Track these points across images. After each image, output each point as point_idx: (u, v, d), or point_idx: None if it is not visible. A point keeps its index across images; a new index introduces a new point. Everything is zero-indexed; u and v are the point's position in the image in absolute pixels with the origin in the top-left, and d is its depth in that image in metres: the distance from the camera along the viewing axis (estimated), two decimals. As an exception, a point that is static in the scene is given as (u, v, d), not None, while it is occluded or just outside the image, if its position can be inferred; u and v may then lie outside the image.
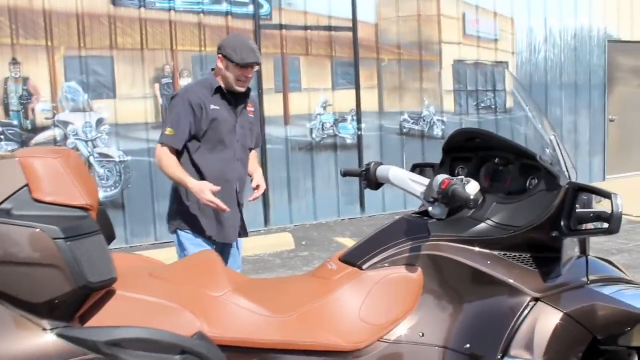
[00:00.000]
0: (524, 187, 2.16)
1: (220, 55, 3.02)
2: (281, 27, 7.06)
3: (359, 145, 7.61)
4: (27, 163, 1.56)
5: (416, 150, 7.89)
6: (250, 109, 3.23)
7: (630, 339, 2.07)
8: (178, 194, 3.11)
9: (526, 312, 1.93)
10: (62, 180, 1.58)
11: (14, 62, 6.01)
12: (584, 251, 2.18)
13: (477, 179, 2.30)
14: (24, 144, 6.05)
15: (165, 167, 2.99)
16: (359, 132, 7.59)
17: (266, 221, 7.08)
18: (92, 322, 1.59)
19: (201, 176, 3.02)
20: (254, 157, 3.41)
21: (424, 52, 7.94)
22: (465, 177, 2.26)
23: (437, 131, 8.11)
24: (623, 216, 1.87)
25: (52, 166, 1.57)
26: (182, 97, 3.02)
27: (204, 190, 2.85)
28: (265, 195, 6.92)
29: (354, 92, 7.53)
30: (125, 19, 6.35)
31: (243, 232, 3.31)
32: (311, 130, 7.37)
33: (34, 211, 1.54)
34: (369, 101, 7.61)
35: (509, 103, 8.68)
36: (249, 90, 3.17)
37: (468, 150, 2.43)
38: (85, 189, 1.63)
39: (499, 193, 2.21)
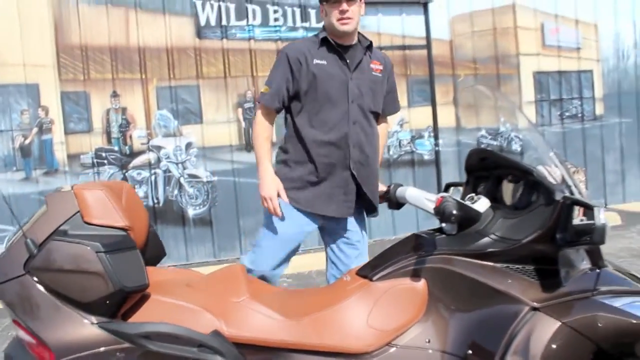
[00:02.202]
0: (529, 202, 2.28)
1: (320, 6, 2.80)
2: (355, 49, 7.33)
3: (436, 161, 7.69)
4: (79, 193, 1.94)
5: (496, 163, 7.85)
6: (375, 66, 2.86)
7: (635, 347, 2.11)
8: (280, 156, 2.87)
9: (523, 321, 2.03)
10: (106, 207, 1.94)
11: (114, 94, 6.72)
12: (596, 263, 2.24)
13: (495, 195, 2.45)
14: (123, 167, 6.72)
15: (254, 134, 2.81)
16: (437, 148, 7.69)
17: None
18: (131, 319, 1.93)
19: (302, 143, 2.75)
20: (383, 132, 3.08)
21: (501, 65, 7.92)
22: (484, 194, 2.44)
23: (516, 146, 8.01)
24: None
25: (98, 196, 1.95)
26: (282, 52, 2.78)
27: (272, 190, 2.68)
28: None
29: (430, 108, 7.64)
30: (209, 50, 6.90)
31: (370, 211, 2.94)
32: (388, 148, 7.56)
33: (84, 231, 1.91)
34: (446, 117, 7.69)
35: (599, 110, 8.44)
36: (370, 44, 2.89)
37: (486, 168, 2.56)
38: (126, 214, 1.98)
39: (507, 208, 2.34)
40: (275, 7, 7.08)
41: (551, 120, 8.20)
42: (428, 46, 7.58)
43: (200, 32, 6.87)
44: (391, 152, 7.55)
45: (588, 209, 2.01)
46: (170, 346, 1.85)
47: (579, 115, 8.34)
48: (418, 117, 7.61)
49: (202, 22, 6.86)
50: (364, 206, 2.93)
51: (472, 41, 7.81)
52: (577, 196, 2.11)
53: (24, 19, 6.44)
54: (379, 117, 2.96)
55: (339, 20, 2.68)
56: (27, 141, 6.56)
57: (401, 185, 2.60)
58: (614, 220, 7.44)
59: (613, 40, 8.46)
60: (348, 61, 2.77)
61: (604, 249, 5.84)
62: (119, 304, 1.90)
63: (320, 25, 7.04)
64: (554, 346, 1.97)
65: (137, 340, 1.84)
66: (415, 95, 7.59)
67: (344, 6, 2.66)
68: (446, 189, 2.75)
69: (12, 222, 6.46)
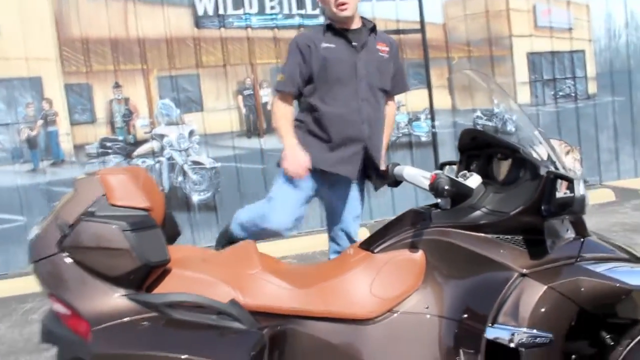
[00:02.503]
0: (517, 177, 2.45)
1: None
2: (351, 34, 7.47)
3: (433, 143, 7.86)
4: (104, 178, 2.11)
5: (491, 143, 8.02)
6: (382, 47, 3.01)
7: (623, 311, 2.30)
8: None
9: (513, 286, 2.21)
10: (129, 189, 2.12)
11: (116, 85, 6.86)
12: (581, 233, 2.42)
13: (486, 172, 2.63)
14: (128, 156, 6.89)
15: (275, 117, 2.97)
16: (433, 130, 7.85)
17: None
18: (155, 291, 2.11)
19: (319, 122, 2.92)
20: (390, 112, 3.28)
21: (494, 47, 8.06)
22: (476, 171, 2.62)
23: (511, 127, 8.17)
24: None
25: (121, 180, 2.12)
26: (291, 42, 2.98)
27: (299, 168, 2.82)
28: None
29: (426, 91, 7.80)
30: (208, 39, 7.04)
31: (377, 183, 3.11)
32: (385, 130, 7.72)
33: (110, 212, 2.08)
34: (441, 99, 7.85)
35: (592, 89, 8.60)
36: (373, 26, 3.04)
37: (478, 147, 2.74)
38: (147, 196, 2.15)
39: (497, 184, 2.51)
40: (272, -5, 7.21)
41: (545, 100, 8.36)
42: (422, 30, 7.71)
43: (198, 22, 7.01)
44: (389, 135, 7.71)
45: (569, 182, 2.18)
46: (192, 314, 2.03)
47: (572, 94, 8.49)
48: (414, 99, 7.76)
49: (200, 12, 6.99)
50: (367, 179, 3.18)
51: (465, 24, 7.94)
52: (560, 171, 2.28)
53: (25, 13, 6.57)
54: (387, 95, 3.15)
55: (337, 7, 2.84)
56: (33, 133, 6.72)
57: (399, 164, 2.77)
58: (608, 196, 7.63)
59: (604, 20, 8.58)
60: (354, 43, 2.91)
61: (599, 223, 6.14)
62: (143, 277, 2.07)
63: (316, 12, 7.22)
64: (540, 308, 2.15)
65: (162, 309, 2.02)
66: (411, 79, 7.72)
67: None
68: (441, 168, 2.92)
69: (22, 213, 6.66)
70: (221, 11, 7.04)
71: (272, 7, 7.20)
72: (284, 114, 2.94)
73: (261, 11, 7.18)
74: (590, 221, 6.46)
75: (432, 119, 7.81)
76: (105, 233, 2.02)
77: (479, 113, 8.03)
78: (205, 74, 7.08)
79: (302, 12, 7.29)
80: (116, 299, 2.04)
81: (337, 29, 2.93)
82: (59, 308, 2.10)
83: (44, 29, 6.62)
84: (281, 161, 2.89)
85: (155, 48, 6.89)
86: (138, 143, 6.98)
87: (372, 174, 3.10)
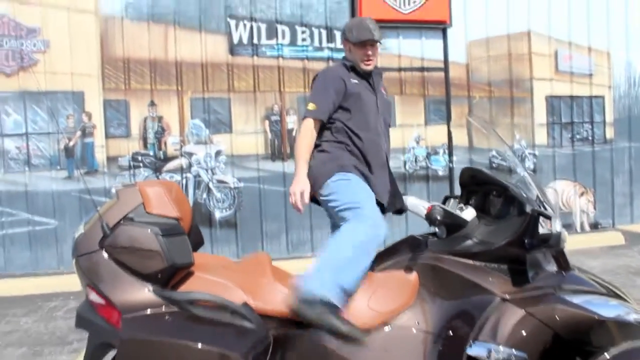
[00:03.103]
0: (507, 212, 2.73)
1: (344, 40, 3.17)
2: (377, 69, 7.81)
3: (450, 177, 8.11)
4: (143, 189, 2.46)
5: (507, 181, 8.25)
6: (384, 91, 3.31)
7: (595, 339, 2.53)
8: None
9: (495, 309, 2.48)
10: (163, 200, 2.45)
11: (152, 103, 7.29)
12: (563, 266, 2.67)
13: (482, 206, 2.92)
14: (157, 170, 7.28)
15: (300, 141, 3.01)
16: (450, 165, 8.11)
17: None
18: (179, 289, 2.42)
19: (357, 145, 3.04)
20: None
21: (515, 89, 8.34)
22: (473, 205, 2.91)
23: (529, 164, 8.42)
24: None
25: (157, 191, 2.46)
26: (323, 75, 3.13)
27: (304, 191, 2.85)
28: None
29: (445, 127, 8.09)
30: (241, 66, 7.46)
31: (397, 208, 3.19)
32: (405, 163, 8.01)
33: (146, 219, 2.42)
34: (460, 136, 8.12)
35: (609, 134, 8.80)
36: (381, 71, 3.29)
37: (477, 184, 3.03)
38: (178, 207, 2.48)
39: (490, 217, 2.79)
40: (303, 28, 7.61)
41: (562, 142, 8.58)
42: (445, 69, 8.04)
43: (233, 49, 7.43)
44: (407, 167, 8.00)
45: (549, 219, 2.46)
46: (210, 311, 2.34)
47: (590, 138, 8.71)
48: (434, 135, 8.05)
49: (235, 40, 7.42)
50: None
51: (488, 65, 8.25)
52: (544, 210, 2.56)
53: (73, 30, 7.06)
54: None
55: (363, 61, 3.09)
56: (71, 143, 7.16)
57: (404, 194, 3.07)
58: (618, 240, 7.79)
59: (625, 67, 8.82)
60: (372, 84, 3.18)
61: (605, 265, 6.38)
62: (170, 276, 2.39)
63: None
64: (518, 330, 2.42)
65: (184, 305, 2.33)
66: (432, 114, 8.05)
67: (369, 51, 3.08)
68: (444, 201, 3.21)
69: (54, 217, 7.07)
70: (255, 40, 7.47)
71: (304, 40, 7.60)
72: (309, 143, 3.01)
73: (293, 42, 7.59)
74: (597, 262, 6.72)
75: (450, 154, 8.08)
76: (141, 236, 2.35)
77: (494, 152, 8.28)
78: (236, 98, 7.48)
79: (332, 45, 7.68)
80: (145, 293, 2.36)
81: (359, 71, 3.15)
82: (95, 298, 2.42)
83: (89, 47, 7.10)
84: (290, 190, 2.90)
85: (191, 71, 7.33)
86: (167, 159, 7.37)
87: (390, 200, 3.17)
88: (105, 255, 2.37)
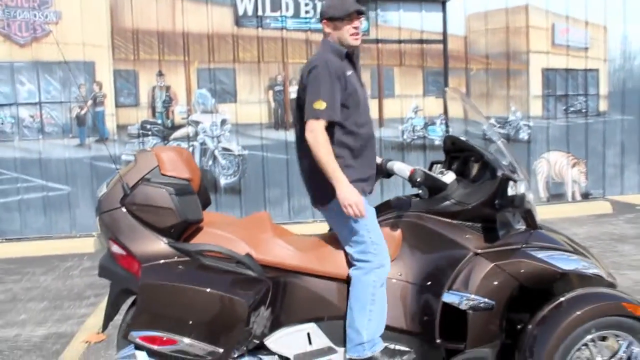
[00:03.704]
0: (482, 176, 3.04)
1: (324, 21, 2.94)
2: (377, 41, 8.08)
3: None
4: (158, 154, 2.77)
5: (502, 151, 8.54)
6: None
7: (556, 289, 2.87)
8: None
9: (467, 262, 2.81)
10: (176, 163, 2.77)
11: (160, 73, 7.57)
12: (531, 225, 3.00)
13: (462, 170, 3.24)
14: (165, 138, 7.60)
15: (322, 149, 2.74)
16: (446, 135, 8.35)
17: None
18: (191, 241, 2.76)
19: (351, 144, 2.88)
20: None
21: (512, 62, 8.57)
22: (454, 169, 3.23)
23: (523, 135, 8.69)
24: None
25: (170, 155, 2.78)
26: (326, 68, 2.80)
27: (356, 195, 2.73)
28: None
29: (442, 98, 8.35)
30: (246, 37, 7.71)
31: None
32: (403, 132, 8.31)
33: (161, 180, 2.73)
34: (458, 106, 8.35)
35: (603, 107, 9.04)
36: (359, 52, 3.11)
37: (459, 150, 3.33)
38: (188, 169, 2.80)
39: (468, 181, 3.11)
40: (307, 1, 7.83)
41: (556, 114, 8.83)
42: (444, 41, 8.26)
43: (238, 21, 7.68)
44: (405, 137, 8.30)
45: (515, 182, 2.77)
46: (217, 261, 2.68)
47: (583, 110, 8.95)
48: (431, 105, 8.32)
49: (240, 12, 7.66)
50: None
51: (486, 38, 8.47)
52: (514, 175, 2.87)
53: (84, 4, 7.31)
54: None
55: (352, 35, 2.89)
56: (82, 112, 7.47)
57: (391, 159, 3.37)
58: (606, 209, 8.11)
59: (621, 41, 9.00)
60: (357, 71, 3.06)
61: (590, 232, 6.79)
62: (182, 230, 2.72)
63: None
64: (487, 280, 2.76)
65: (194, 255, 2.67)
66: (430, 86, 8.31)
67: (357, 23, 2.89)
68: (431, 165, 3.51)
69: (67, 183, 7.42)
70: (260, 12, 7.70)
71: (307, 12, 7.83)
72: (329, 148, 2.76)
73: (296, 14, 7.82)
74: (583, 229, 7.11)
75: (447, 125, 8.34)
76: (157, 195, 2.67)
77: (492, 121, 8.56)
78: (241, 69, 7.75)
79: (333, 17, 7.89)
80: (161, 245, 2.70)
81: (350, 57, 2.99)
82: (116, 249, 2.76)
83: (99, 18, 7.36)
84: (342, 204, 2.73)
85: (198, 42, 7.59)
86: (175, 127, 7.69)
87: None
88: (126, 212, 2.71)
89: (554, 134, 8.83)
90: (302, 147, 2.91)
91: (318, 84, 2.79)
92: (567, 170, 8.90)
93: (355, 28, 2.90)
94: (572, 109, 8.90)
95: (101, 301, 4.84)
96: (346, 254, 2.90)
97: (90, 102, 7.46)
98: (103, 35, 7.40)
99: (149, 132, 7.62)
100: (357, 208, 2.72)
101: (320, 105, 2.75)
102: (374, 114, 8.02)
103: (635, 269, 5.30)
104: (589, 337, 2.62)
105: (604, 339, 2.72)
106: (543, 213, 7.58)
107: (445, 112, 8.30)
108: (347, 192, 2.72)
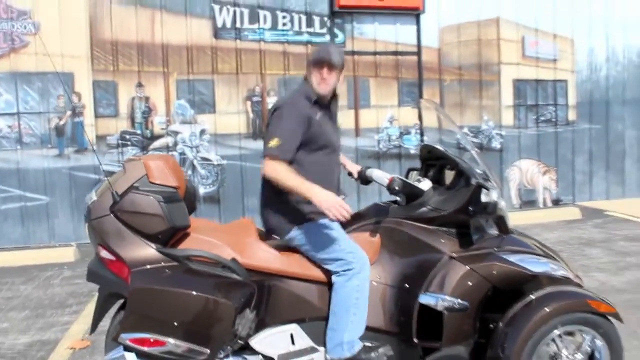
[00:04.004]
0: (457, 184, 3.20)
1: (307, 62, 3.08)
2: (353, 53, 8.27)
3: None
4: (146, 162, 2.87)
5: (475, 160, 8.78)
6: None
7: (527, 290, 3.03)
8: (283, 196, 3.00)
9: (443, 265, 2.96)
10: (163, 172, 2.87)
11: (139, 84, 7.65)
12: (503, 230, 3.16)
13: (438, 178, 3.40)
14: (144, 148, 7.67)
15: (282, 176, 2.88)
16: (422, 144, 8.57)
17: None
18: (178, 247, 2.87)
19: (309, 178, 2.92)
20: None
21: (484, 73, 8.84)
22: (430, 177, 3.38)
23: (496, 143, 8.95)
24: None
25: (158, 164, 2.88)
26: (290, 108, 2.96)
27: (337, 203, 2.80)
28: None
29: (417, 109, 8.55)
30: (224, 49, 7.84)
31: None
32: (378, 142, 8.50)
33: (150, 187, 2.83)
34: (432, 116, 8.56)
35: (571, 116, 9.36)
36: (337, 97, 3.22)
37: (434, 158, 3.50)
38: (176, 177, 2.91)
39: (444, 188, 3.27)
40: (284, 14, 8.00)
41: (527, 124, 9.12)
42: (418, 53, 8.49)
43: (216, 33, 7.81)
44: (381, 146, 8.49)
45: (488, 190, 2.94)
46: (203, 265, 2.78)
47: (553, 120, 9.25)
48: (406, 115, 8.53)
49: (219, 24, 7.79)
50: None
51: (459, 50, 8.72)
52: (487, 183, 3.03)
53: (63, 13, 7.37)
54: None
55: (319, 83, 3.00)
56: (61, 122, 7.51)
57: (370, 167, 3.52)
58: (575, 214, 8.37)
59: (587, 54, 9.35)
60: (332, 118, 3.20)
61: (560, 237, 7.03)
62: (170, 236, 2.83)
63: (323, 30, 7.98)
64: (461, 283, 2.90)
65: (182, 260, 2.78)
66: (405, 96, 8.52)
67: (324, 73, 2.98)
68: (407, 173, 3.66)
69: (46, 193, 7.43)
70: (238, 24, 7.84)
71: (284, 24, 8.00)
72: (288, 171, 2.89)
73: (274, 27, 7.97)
74: (553, 234, 7.37)
75: (422, 134, 8.56)
76: (146, 202, 2.78)
77: (466, 130, 8.79)
78: (220, 80, 7.87)
79: (311, 30, 8.08)
80: (149, 251, 2.80)
81: (322, 104, 3.08)
82: (106, 255, 2.85)
83: (79, 29, 7.42)
84: (324, 211, 2.82)
85: (177, 54, 7.69)
86: (154, 137, 7.76)
87: None
88: (115, 218, 2.80)
89: (525, 142, 9.11)
90: (263, 179, 3.05)
91: (276, 123, 2.95)
92: (538, 177, 9.18)
93: (323, 77, 3.00)
94: (542, 118, 9.19)
95: (83, 309, 4.90)
96: None
97: (69, 113, 7.50)
98: (82, 46, 7.46)
99: (129, 142, 7.68)
100: (339, 207, 2.80)
101: (275, 143, 2.89)
102: (350, 123, 8.26)
103: (602, 271, 5.52)
104: (556, 332, 2.78)
105: (570, 334, 2.89)
106: (516, 219, 7.83)
107: (420, 121, 8.52)
108: (323, 198, 2.82)
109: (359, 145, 8.40)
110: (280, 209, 3.04)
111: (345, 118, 8.31)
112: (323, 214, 2.88)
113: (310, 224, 3.02)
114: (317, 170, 3.02)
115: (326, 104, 3.12)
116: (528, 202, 9.09)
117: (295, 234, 3.01)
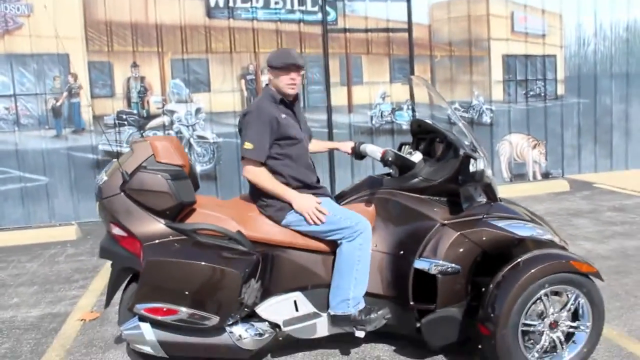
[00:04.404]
0: (446, 155, 3.38)
1: (268, 69, 3.32)
2: (345, 30, 8.37)
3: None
4: (153, 143, 3.02)
5: (466, 135, 8.95)
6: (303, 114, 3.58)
7: (515, 253, 3.21)
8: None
9: (435, 232, 3.14)
10: (169, 151, 3.03)
11: (134, 64, 7.73)
12: (491, 198, 3.34)
13: (428, 150, 3.57)
14: (140, 128, 7.78)
15: (261, 180, 3.17)
16: (412, 119, 8.71)
17: (333, 193, 8.46)
18: (185, 221, 3.03)
19: (285, 172, 3.25)
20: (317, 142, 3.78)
21: (474, 49, 8.96)
22: (421, 150, 3.55)
23: (486, 118, 9.12)
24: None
25: (164, 144, 3.03)
26: (257, 112, 3.21)
27: (313, 207, 3.12)
28: (331, 172, 8.33)
29: (408, 84, 8.68)
30: (218, 28, 7.92)
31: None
32: (371, 118, 8.64)
33: (157, 167, 2.99)
34: (423, 93, 8.71)
35: (560, 90, 9.52)
36: (298, 95, 3.46)
37: (425, 132, 3.66)
38: (181, 157, 3.06)
39: (434, 160, 3.44)
40: (276, -8, 8.07)
41: (517, 98, 9.28)
42: (409, 30, 8.59)
43: (210, 12, 7.87)
44: (374, 122, 8.63)
45: (475, 160, 3.11)
46: (211, 238, 2.96)
47: (542, 94, 9.41)
48: (398, 91, 8.66)
49: (212, 4, 7.86)
50: None
51: (449, 26, 8.83)
52: (474, 153, 3.20)
53: (57, -4, 7.41)
54: None
55: (288, 84, 3.26)
56: (58, 103, 7.59)
57: (364, 142, 3.68)
58: (563, 187, 8.60)
59: (575, 28, 9.48)
60: (295, 113, 3.44)
61: (549, 208, 7.25)
62: (178, 212, 2.99)
63: (315, 9, 8.05)
64: (453, 248, 3.08)
65: (190, 234, 2.95)
66: (396, 73, 8.64)
67: (294, 76, 3.25)
68: (400, 147, 3.83)
69: (45, 173, 7.55)
70: (231, 4, 7.91)
71: (277, 2, 8.07)
72: (264, 173, 3.20)
73: (266, 5, 8.05)
74: (542, 205, 7.57)
75: (413, 110, 8.69)
76: (154, 181, 2.94)
77: (457, 105, 8.95)
78: (214, 59, 7.96)
79: (303, 8, 8.16)
80: (159, 226, 2.97)
81: (286, 102, 3.34)
82: (118, 231, 3.02)
83: (72, 11, 7.46)
84: (301, 212, 3.13)
85: (171, 33, 7.77)
86: (150, 117, 7.87)
87: None
88: (126, 197, 2.96)
89: (515, 117, 9.28)
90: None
91: (248, 128, 3.20)
92: (528, 151, 9.37)
93: (292, 79, 3.26)
94: (531, 93, 9.35)
95: (90, 284, 5.07)
96: None
97: (65, 94, 7.59)
98: (76, 28, 7.52)
99: (125, 122, 7.78)
100: (315, 211, 3.12)
101: (248, 146, 3.15)
102: (342, 100, 8.38)
103: (589, 240, 5.74)
104: (542, 291, 2.98)
105: (556, 293, 3.09)
106: (506, 192, 8.10)
107: (412, 98, 8.66)
108: (300, 202, 3.15)
109: (352, 122, 8.54)
110: (269, 199, 3.25)
111: (338, 95, 8.45)
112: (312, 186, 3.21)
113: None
114: (289, 161, 3.28)
115: (288, 102, 3.36)
116: (518, 175, 9.30)
117: (290, 219, 3.21)
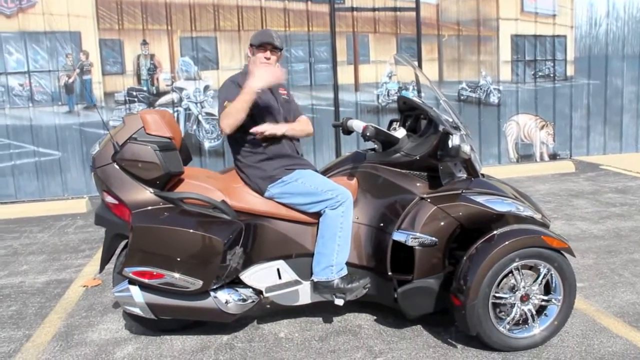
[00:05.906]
0: (428, 131, 3.47)
1: (249, 47, 3.46)
2: (353, 9, 8.42)
3: (420, 110, 8.81)
4: (143, 116, 3.17)
5: (473, 115, 8.99)
6: (282, 92, 3.63)
7: (493, 227, 3.32)
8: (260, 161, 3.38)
9: (414, 205, 3.25)
10: (159, 124, 3.17)
11: (144, 42, 7.89)
12: (472, 174, 3.44)
13: (413, 127, 3.67)
14: (150, 104, 7.96)
15: (232, 110, 3.18)
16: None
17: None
18: (173, 191, 3.19)
19: (259, 143, 3.37)
20: (303, 120, 3.74)
21: (482, 28, 8.95)
22: (407, 126, 3.65)
23: (493, 99, 9.13)
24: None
25: (154, 117, 3.17)
26: (230, 82, 3.41)
27: (266, 71, 3.18)
28: (338, 149, 8.46)
29: (416, 63, 8.72)
30: (226, 7, 8.03)
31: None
32: (377, 96, 8.71)
33: (146, 138, 3.14)
34: (430, 71, 8.77)
35: (570, 72, 9.48)
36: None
37: (410, 109, 3.76)
38: (170, 129, 3.21)
39: (417, 135, 3.54)
40: (284, -29, 8.14)
41: (525, 79, 9.26)
42: (417, 8, 8.62)
43: (218, -9, 7.99)
44: (380, 100, 8.71)
45: (451, 136, 3.21)
46: (196, 207, 3.11)
47: (551, 75, 9.38)
48: (405, 70, 8.68)
49: (220, -18, 7.97)
50: None
51: (457, 5, 8.83)
52: (453, 130, 3.29)
53: (68, -26, 7.56)
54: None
55: (262, 62, 3.39)
56: (70, 80, 7.79)
57: (350, 118, 3.79)
58: (569, 168, 8.61)
59: (587, 9, 9.40)
60: (272, 91, 3.52)
61: (551, 189, 7.31)
62: (165, 182, 3.15)
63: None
64: (430, 221, 3.19)
65: (176, 202, 3.10)
66: (403, 52, 8.67)
67: (268, 54, 3.40)
68: (390, 123, 3.92)
69: (58, 148, 7.77)
70: (239, -18, 8.01)
71: (284, -19, 8.15)
72: (229, 105, 3.23)
73: (274, -16, 8.13)
74: (545, 186, 7.63)
75: (419, 91, 8.74)
76: (143, 151, 3.09)
77: (464, 85, 8.98)
78: (222, 37, 8.09)
79: (310, -13, 8.23)
80: (147, 194, 3.13)
81: None
82: (110, 199, 3.18)
83: (84, -11, 7.63)
84: (258, 82, 3.16)
85: (180, 12, 7.90)
86: (160, 94, 8.05)
87: None
88: (117, 166, 3.12)
89: (522, 97, 9.28)
90: (235, 150, 3.47)
91: (223, 92, 3.38)
92: (535, 132, 9.38)
93: (267, 58, 3.40)
94: (540, 73, 9.33)
95: (95, 253, 5.28)
96: None
97: (77, 71, 7.78)
98: (87, 6, 7.68)
99: (135, 99, 7.97)
100: (269, 71, 3.20)
101: (226, 104, 3.25)
102: (349, 78, 8.46)
103: (584, 220, 5.80)
104: (513, 265, 3.08)
105: (530, 268, 3.20)
106: (511, 172, 8.18)
107: (416, 77, 8.70)
108: (254, 76, 3.16)
109: (359, 100, 8.62)
110: (251, 171, 3.39)
111: (345, 74, 8.53)
112: (292, 168, 3.37)
113: (283, 179, 3.35)
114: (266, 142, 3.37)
115: None
116: (525, 156, 9.32)
117: (273, 192, 3.34)
